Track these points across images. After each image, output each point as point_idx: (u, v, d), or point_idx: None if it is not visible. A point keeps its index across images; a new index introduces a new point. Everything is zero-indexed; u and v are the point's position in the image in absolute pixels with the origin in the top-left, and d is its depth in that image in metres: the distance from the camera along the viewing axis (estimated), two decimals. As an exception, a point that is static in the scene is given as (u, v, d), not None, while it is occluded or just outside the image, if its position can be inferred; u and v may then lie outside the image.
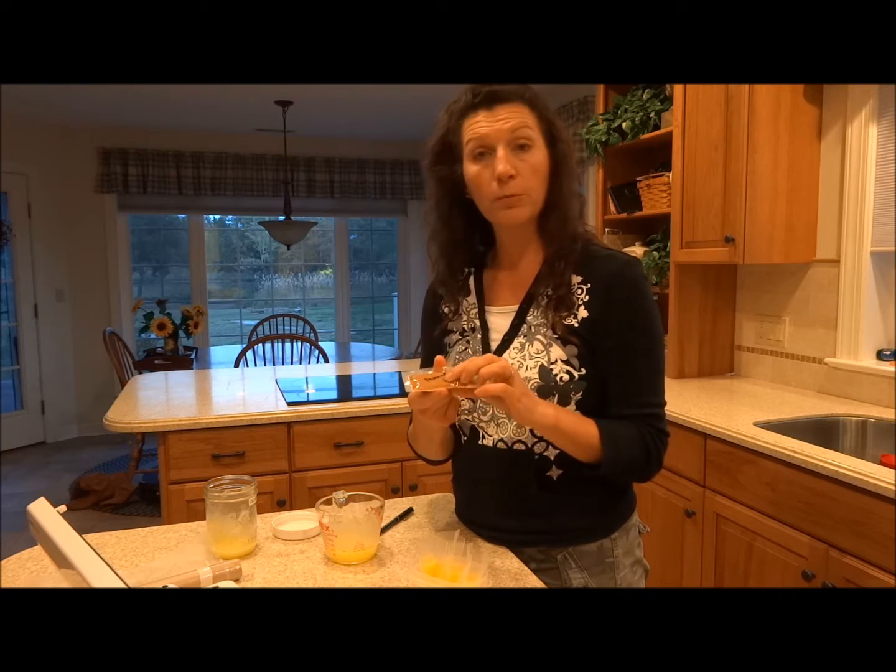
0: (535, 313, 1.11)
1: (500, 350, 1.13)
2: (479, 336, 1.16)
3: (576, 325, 1.07)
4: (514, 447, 1.11)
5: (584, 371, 1.07)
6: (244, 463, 2.18)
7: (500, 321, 1.15)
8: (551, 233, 1.10)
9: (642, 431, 1.06)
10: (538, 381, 1.07)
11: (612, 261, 1.10)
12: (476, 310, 1.18)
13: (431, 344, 1.23)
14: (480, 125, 1.05)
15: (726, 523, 1.96)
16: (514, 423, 1.11)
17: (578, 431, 1.03)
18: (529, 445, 1.11)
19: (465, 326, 1.19)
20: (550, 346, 1.08)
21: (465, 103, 1.07)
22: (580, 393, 1.06)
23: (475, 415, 1.15)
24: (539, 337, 1.09)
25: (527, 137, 1.04)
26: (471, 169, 1.07)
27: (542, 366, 1.07)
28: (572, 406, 1.07)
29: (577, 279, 1.10)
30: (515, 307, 1.14)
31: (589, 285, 1.09)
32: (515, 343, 1.12)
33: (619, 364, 1.07)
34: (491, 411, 1.13)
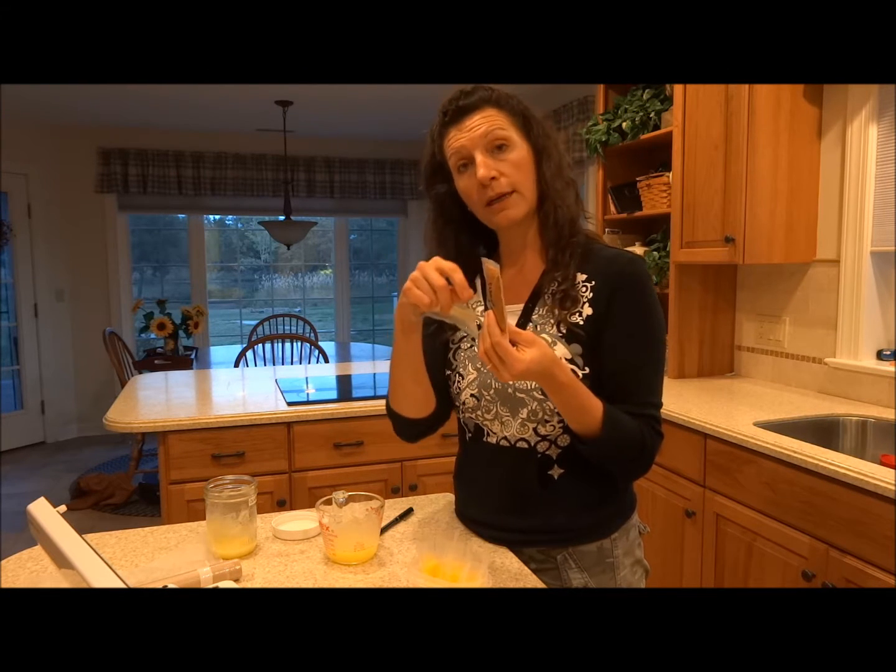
0: (540, 311, 1.11)
1: None
2: None
3: (580, 322, 1.07)
4: (517, 445, 1.12)
5: (587, 370, 1.07)
6: (244, 463, 2.18)
7: None
8: (549, 222, 1.11)
9: (641, 427, 1.06)
10: None
11: (617, 259, 1.10)
12: (482, 308, 1.18)
13: (433, 341, 1.22)
14: (456, 139, 1.08)
15: (726, 523, 1.96)
16: (518, 421, 1.11)
17: (587, 400, 1.01)
18: (532, 444, 1.11)
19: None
20: (555, 344, 1.08)
21: (440, 124, 1.10)
22: None
23: (479, 413, 1.15)
24: (544, 335, 1.09)
25: (501, 138, 1.06)
26: (460, 183, 1.10)
27: None
28: None
29: (581, 277, 1.10)
30: (521, 306, 1.14)
31: (593, 283, 1.09)
32: None
33: (622, 362, 1.07)
34: (495, 409, 1.13)
